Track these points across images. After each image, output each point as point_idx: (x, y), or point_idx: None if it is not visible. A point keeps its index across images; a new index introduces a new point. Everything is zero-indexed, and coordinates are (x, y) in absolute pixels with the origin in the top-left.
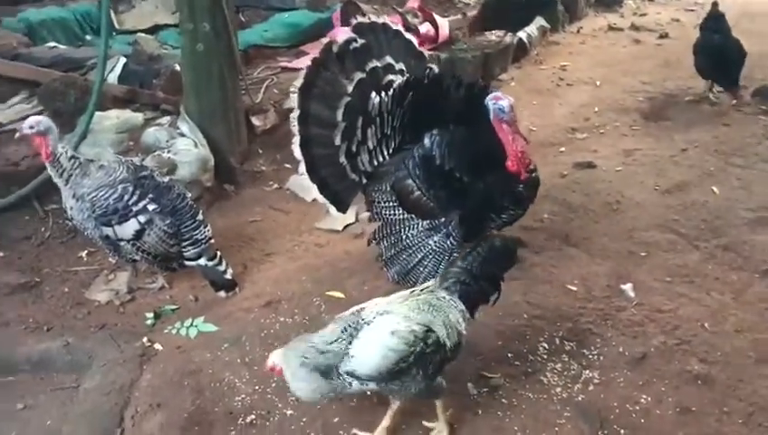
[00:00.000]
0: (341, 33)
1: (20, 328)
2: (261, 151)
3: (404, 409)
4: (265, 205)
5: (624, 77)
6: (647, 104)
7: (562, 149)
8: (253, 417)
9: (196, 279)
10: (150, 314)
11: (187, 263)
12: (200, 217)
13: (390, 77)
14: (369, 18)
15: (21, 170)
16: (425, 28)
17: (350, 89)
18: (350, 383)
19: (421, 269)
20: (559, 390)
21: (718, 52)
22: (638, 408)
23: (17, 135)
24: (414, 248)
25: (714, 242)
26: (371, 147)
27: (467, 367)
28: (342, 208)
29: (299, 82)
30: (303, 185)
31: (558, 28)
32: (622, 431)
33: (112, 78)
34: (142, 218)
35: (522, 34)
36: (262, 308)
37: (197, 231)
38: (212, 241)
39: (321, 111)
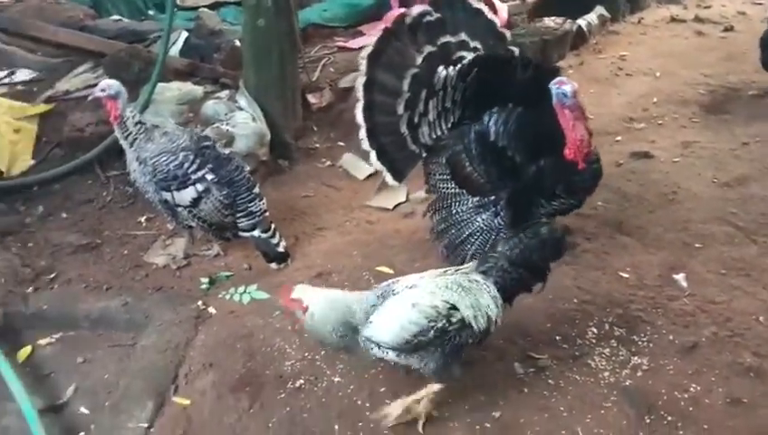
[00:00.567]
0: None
1: (81, 286)
2: (315, 129)
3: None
4: (318, 181)
5: (685, 69)
6: (707, 97)
7: (619, 138)
8: (301, 382)
9: (250, 249)
10: (205, 279)
11: (242, 234)
12: (256, 190)
13: (462, 53)
14: None
15: (85, 136)
16: None
17: (418, 60)
18: (371, 348)
19: (468, 246)
20: (606, 374)
21: None
22: (686, 396)
23: (90, 97)
24: (462, 224)
25: None
26: (431, 119)
27: (514, 347)
28: (399, 178)
29: (368, 50)
30: (356, 163)
31: (618, 18)
32: (669, 418)
33: (174, 51)
34: (200, 187)
35: (581, 22)
36: (313, 279)
37: (252, 203)
38: (266, 214)
39: (387, 79)
